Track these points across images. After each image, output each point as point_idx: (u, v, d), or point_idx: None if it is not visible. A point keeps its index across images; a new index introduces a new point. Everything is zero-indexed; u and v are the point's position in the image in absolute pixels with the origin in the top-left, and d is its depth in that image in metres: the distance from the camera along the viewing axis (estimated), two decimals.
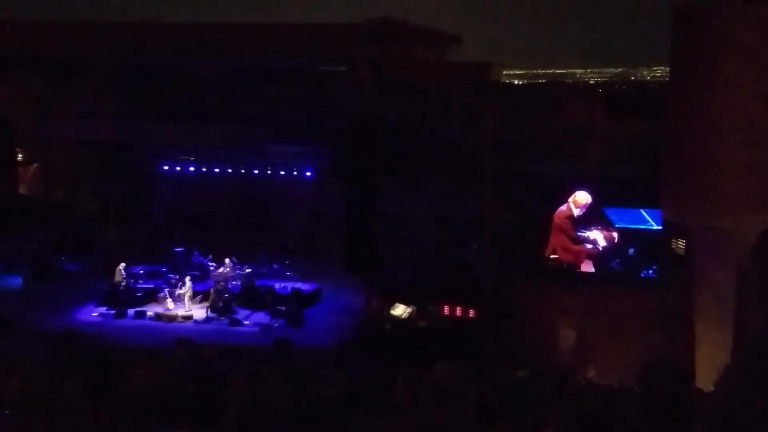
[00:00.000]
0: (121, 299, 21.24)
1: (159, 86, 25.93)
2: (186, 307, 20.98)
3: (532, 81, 43.67)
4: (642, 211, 19.27)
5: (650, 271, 19.47)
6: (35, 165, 28.08)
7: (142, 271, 22.87)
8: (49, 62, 24.55)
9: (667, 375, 11.83)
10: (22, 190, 27.88)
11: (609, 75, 53.66)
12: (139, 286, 22.07)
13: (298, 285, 22.37)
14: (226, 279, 21.63)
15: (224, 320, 20.53)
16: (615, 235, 19.57)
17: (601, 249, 19.68)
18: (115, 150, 26.48)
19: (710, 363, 15.69)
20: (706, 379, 14.43)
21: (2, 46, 22.64)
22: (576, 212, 19.72)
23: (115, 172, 27.06)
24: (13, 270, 23.63)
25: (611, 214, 19.63)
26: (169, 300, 21.10)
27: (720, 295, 16.47)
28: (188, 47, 22.26)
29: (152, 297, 21.71)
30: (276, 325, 20.37)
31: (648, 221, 19.23)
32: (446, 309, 20.75)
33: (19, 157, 27.77)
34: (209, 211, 26.46)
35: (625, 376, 13.68)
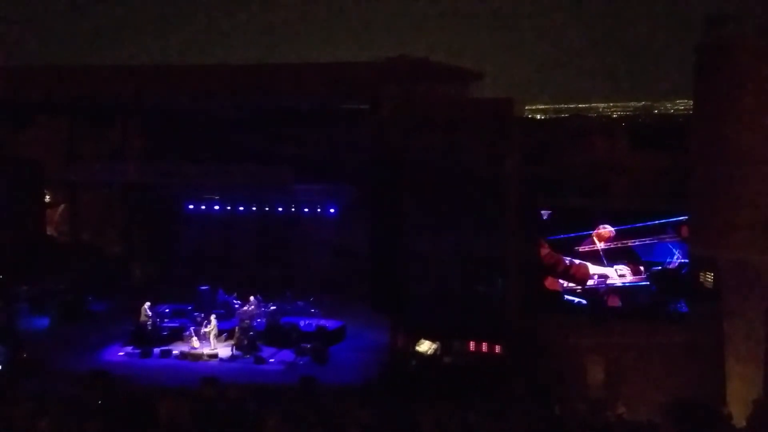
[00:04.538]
0: (146, 338, 21.31)
1: (184, 127, 26.22)
2: (211, 345, 21.00)
3: (554, 116, 43.69)
4: (669, 244, 19.12)
5: (678, 306, 19.25)
6: (62, 206, 28.41)
7: (167, 310, 22.99)
8: (76, 106, 24.93)
9: (696, 411, 11.65)
10: (50, 231, 28.18)
11: (632, 109, 53.49)
12: (164, 325, 22.15)
13: (323, 322, 22.35)
14: (251, 317, 21.68)
15: (249, 358, 20.52)
16: (641, 269, 19.42)
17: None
18: (141, 191, 26.76)
19: (741, 399, 15.45)
20: (737, 414, 14.20)
21: (30, 92, 23.02)
22: (600, 246, 19.62)
23: (141, 213, 27.31)
24: (41, 311, 23.79)
25: (637, 248, 19.49)
26: (195, 338, 21.14)
27: (750, 330, 16.25)
28: (212, 88, 22.49)
29: (178, 336, 21.76)
30: (301, 362, 20.33)
31: (675, 255, 19.06)
32: (472, 345, 20.59)
33: (47, 198, 28.12)
34: (234, 249, 26.57)
35: (654, 413, 13.49)
